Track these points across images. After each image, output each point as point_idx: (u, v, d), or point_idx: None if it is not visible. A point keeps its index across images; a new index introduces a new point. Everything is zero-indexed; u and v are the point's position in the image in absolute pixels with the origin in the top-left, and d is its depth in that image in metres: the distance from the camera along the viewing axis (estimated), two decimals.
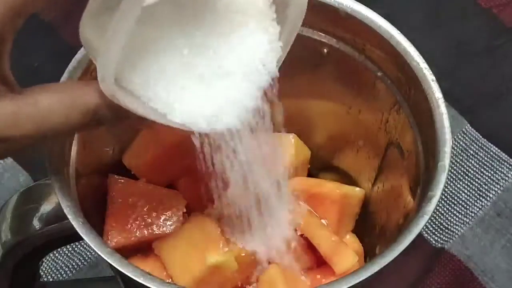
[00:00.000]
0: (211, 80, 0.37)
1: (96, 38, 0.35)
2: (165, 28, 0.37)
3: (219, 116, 0.38)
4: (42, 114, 0.35)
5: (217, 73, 0.37)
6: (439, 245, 0.66)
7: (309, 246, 0.52)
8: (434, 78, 0.46)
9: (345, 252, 0.51)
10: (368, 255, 0.54)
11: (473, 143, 0.72)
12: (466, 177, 0.70)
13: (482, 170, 0.71)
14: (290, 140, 0.54)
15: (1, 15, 0.32)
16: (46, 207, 0.46)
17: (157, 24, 0.37)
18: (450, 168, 0.48)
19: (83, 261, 0.66)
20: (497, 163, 0.71)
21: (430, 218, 0.41)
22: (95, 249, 0.40)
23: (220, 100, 0.38)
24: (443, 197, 0.69)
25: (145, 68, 0.37)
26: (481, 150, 0.72)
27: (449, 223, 0.68)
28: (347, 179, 0.57)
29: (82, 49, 0.47)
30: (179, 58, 0.37)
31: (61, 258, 0.66)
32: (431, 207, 0.42)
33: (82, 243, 0.66)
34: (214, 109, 0.38)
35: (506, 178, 0.70)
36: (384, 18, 0.48)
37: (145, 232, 0.49)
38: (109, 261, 0.39)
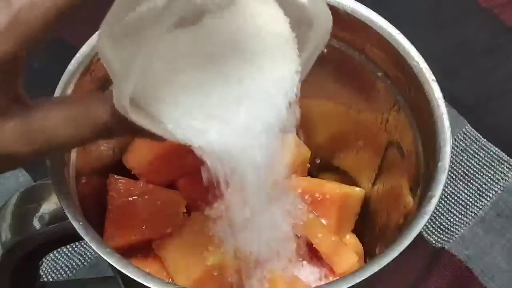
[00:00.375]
0: (227, 106, 0.37)
1: (113, 54, 0.35)
2: (185, 53, 0.36)
3: (233, 138, 0.37)
4: (52, 130, 0.35)
5: (233, 99, 0.37)
6: (439, 245, 0.66)
7: (309, 246, 0.52)
8: (434, 78, 0.46)
9: (345, 252, 0.51)
10: (368, 255, 0.54)
11: (473, 143, 0.72)
12: (466, 177, 0.70)
13: (482, 170, 0.71)
14: (290, 140, 0.54)
15: (18, 41, 0.32)
16: (46, 207, 0.46)
17: (176, 49, 0.36)
18: (450, 168, 0.48)
19: (83, 261, 0.66)
20: (497, 163, 0.71)
21: (430, 218, 0.41)
22: (95, 249, 0.40)
23: (234, 124, 0.37)
24: (443, 197, 0.69)
25: (162, 89, 0.36)
26: (481, 150, 0.72)
27: (449, 223, 0.68)
28: (347, 179, 0.57)
29: (82, 49, 0.47)
30: (196, 83, 0.37)
31: (61, 258, 0.66)
32: (431, 207, 0.42)
33: (82, 243, 0.66)
34: (227, 132, 0.37)
35: (506, 178, 0.70)
36: (385, 18, 0.48)
37: (145, 232, 0.49)
38: (109, 261, 0.39)
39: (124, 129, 0.36)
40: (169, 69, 0.36)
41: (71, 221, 0.41)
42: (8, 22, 0.32)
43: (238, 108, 0.37)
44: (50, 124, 0.35)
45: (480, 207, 0.69)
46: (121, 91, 0.34)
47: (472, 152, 0.72)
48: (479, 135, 0.72)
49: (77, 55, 0.47)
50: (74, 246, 0.66)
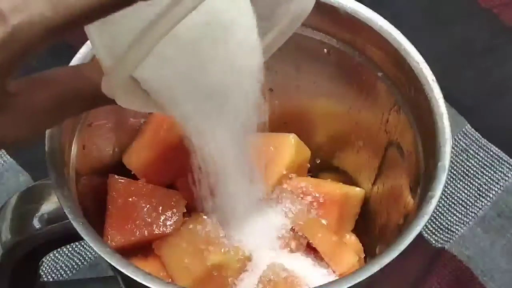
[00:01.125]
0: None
1: (100, 43, 0.35)
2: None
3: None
4: (38, 114, 0.35)
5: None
6: (439, 245, 0.66)
7: (309, 246, 0.52)
8: (434, 78, 0.46)
9: (345, 252, 0.51)
10: (368, 255, 0.54)
11: (473, 143, 0.72)
12: (466, 177, 0.70)
13: (482, 170, 0.71)
14: (290, 140, 0.54)
15: (10, 58, 0.31)
16: (46, 207, 0.46)
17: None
18: (450, 168, 0.48)
19: (83, 261, 0.66)
20: (497, 163, 0.71)
21: (430, 218, 0.41)
22: (95, 249, 0.40)
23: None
24: (443, 197, 0.69)
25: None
26: (481, 150, 0.72)
27: (449, 223, 0.68)
28: (347, 179, 0.57)
29: (82, 49, 0.47)
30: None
31: (61, 258, 0.66)
32: (431, 207, 0.42)
33: (82, 243, 0.66)
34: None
35: (506, 178, 0.70)
36: (385, 18, 0.48)
37: (145, 232, 0.49)
38: (109, 261, 0.39)
39: (108, 100, 0.37)
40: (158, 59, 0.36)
41: (71, 221, 0.41)
42: (1, 39, 0.30)
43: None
44: (35, 111, 0.35)
45: (480, 207, 0.69)
46: (111, 83, 0.34)
47: (472, 152, 0.72)
48: (479, 135, 0.72)
49: (77, 55, 0.47)
50: (74, 246, 0.66)
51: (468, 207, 0.69)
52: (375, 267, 0.39)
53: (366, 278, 0.39)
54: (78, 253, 0.66)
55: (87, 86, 0.36)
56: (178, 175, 0.53)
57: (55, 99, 0.36)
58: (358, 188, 0.55)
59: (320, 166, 0.58)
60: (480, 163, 0.71)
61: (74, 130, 0.47)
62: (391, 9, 0.52)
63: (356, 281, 0.39)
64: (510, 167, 0.71)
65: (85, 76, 0.37)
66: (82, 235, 0.40)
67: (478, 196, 0.69)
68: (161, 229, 0.49)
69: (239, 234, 0.50)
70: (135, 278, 0.38)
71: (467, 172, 0.71)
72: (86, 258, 0.66)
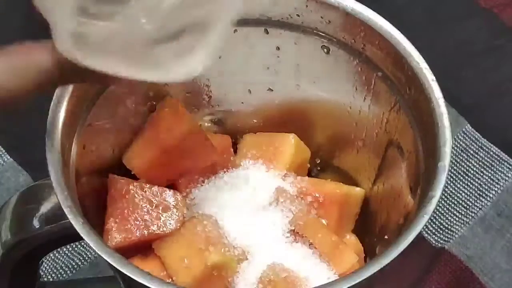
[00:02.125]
0: None
1: None
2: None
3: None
4: None
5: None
6: (439, 245, 0.66)
7: (309, 246, 0.52)
8: (434, 78, 0.46)
9: (345, 252, 0.51)
10: (368, 255, 0.54)
11: (473, 143, 0.72)
12: (466, 177, 0.70)
13: (482, 170, 0.71)
14: (290, 140, 0.54)
15: None
16: (46, 207, 0.46)
17: None
18: (450, 168, 0.48)
19: (83, 261, 0.66)
20: (497, 163, 0.71)
21: (430, 218, 0.41)
22: (95, 249, 0.40)
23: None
24: (443, 197, 0.69)
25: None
26: (481, 150, 0.72)
27: (449, 223, 0.68)
28: (347, 179, 0.57)
29: None
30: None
31: (61, 258, 0.66)
32: (431, 207, 0.42)
33: (82, 243, 0.66)
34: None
35: (506, 178, 0.70)
36: (385, 18, 0.48)
37: (145, 232, 0.49)
38: (109, 261, 0.39)
39: (68, 76, 0.36)
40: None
41: (71, 221, 0.41)
42: None
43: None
44: None
45: (480, 207, 0.69)
46: (60, 33, 0.33)
47: (472, 152, 0.72)
48: (479, 135, 0.72)
49: None
50: (74, 246, 0.66)
51: (468, 207, 0.69)
52: (375, 267, 0.39)
53: (366, 278, 0.39)
54: (78, 253, 0.66)
55: (47, 61, 0.35)
56: (178, 175, 0.53)
57: (10, 70, 0.35)
58: (358, 188, 0.55)
59: (320, 166, 0.58)
60: (480, 163, 0.71)
61: (74, 130, 0.47)
62: (391, 9, 0.52)
63: (356, 281, 0.39)
64: (510, 167, 0.71)
65: (45, 52, 0.36)
66: (82, 235, 0.40)
67: (478, 196, 0.69)
68: (161, 229, 0.49)
69: (239, 234, 0.50)
70: (134, 277, 0.38)
71: (467, 172, 0.71)
72: (86, 258, 0.66)
